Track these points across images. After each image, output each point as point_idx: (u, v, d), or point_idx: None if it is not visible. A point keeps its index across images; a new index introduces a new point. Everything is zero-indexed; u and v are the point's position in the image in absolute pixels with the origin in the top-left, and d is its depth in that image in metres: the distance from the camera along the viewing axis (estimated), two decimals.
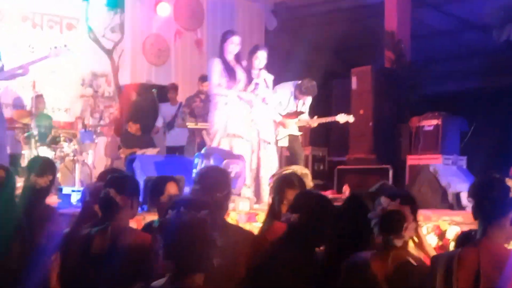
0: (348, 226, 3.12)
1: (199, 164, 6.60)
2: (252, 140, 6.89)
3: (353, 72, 10.09)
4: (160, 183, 4.31)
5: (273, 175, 5.80)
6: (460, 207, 6.50)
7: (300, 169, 5.01)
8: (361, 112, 9.66)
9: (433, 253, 3.06)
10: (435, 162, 8.48)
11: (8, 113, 8.77)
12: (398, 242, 2.78)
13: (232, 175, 6.44)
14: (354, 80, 10.01)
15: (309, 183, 4.39)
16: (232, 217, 5.42)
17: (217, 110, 6.85)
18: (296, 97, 7.88)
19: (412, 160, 9.13)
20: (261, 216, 5.49)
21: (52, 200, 5.20)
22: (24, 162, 7.88)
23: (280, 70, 7.15)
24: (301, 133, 8.05)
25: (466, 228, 4.77)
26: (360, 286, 2.82)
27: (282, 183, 3.98)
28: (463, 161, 9.00)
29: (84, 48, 10.70)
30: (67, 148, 8.53)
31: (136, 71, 11.13)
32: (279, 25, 12.38)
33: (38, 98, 9.14)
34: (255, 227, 5.15)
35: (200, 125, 8.57)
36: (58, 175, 7.85)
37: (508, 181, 2.82)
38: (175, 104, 10.13)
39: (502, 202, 2.76)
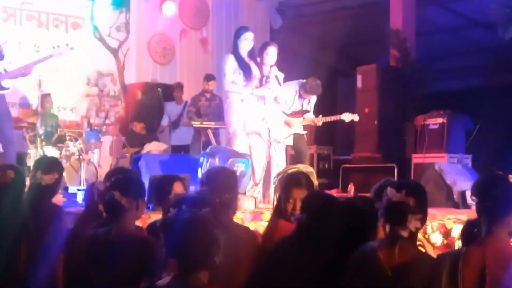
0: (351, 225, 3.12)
1: (204, 163, 6.60)
2: (265, 138, 6.86)
3: (358, 70, 10.08)
4: (166, 182, 4.33)
5: (279, 174, 5.82)
6: (465, 205, 6.49)
7: (305, 167, 5.03)
8: (366, 110, 9.65)
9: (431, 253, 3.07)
10: (440, 160, 8.47)
11: (14, 112, 8.78)
12: (404, 233, 2.77)
13: (238, 174, 6.45)
14: (359, 79, 9.99)
15: (314, 181, 4.39)
16: (237, 216, 5.41)
17: (232, 108, 6.77)
18: (301, 96, 7.88)
19: (417, 158, 9.13)
20: (267, 215, 5.50)
21: (58, 199, 5.20)
22: (30, 161, 7.90)
23: (285, 69, 7.13)
24: (306, 131, 8.04)
25: None
26: (367, 274, 2.82)
27: (289, 181, 3.97)
28: (468, 160, 8.99)
29: (89, 47, 10.72)
30: (73, 147, 8.54)
31: (141, 70, 11.15)
32: (284, 24, 12.37)
33: (46, 97, 9.16)
34: (260, 225, 5.16)
35: (206, 124, 8.58)
36: (64, 174, 7.87)
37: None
38: (181, 103, 10.14)
39: (506, 200, 2.76)
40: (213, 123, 8.65)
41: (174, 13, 11.33)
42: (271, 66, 6.92)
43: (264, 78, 6.81)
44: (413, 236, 2.83)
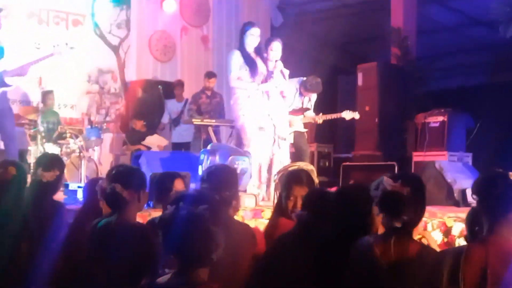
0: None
1: (205, 160, 6.60)
2: (270, 135, 6.80)
3: (359, 68, 10.08)
4: (167, 179, 4.33)
5: (279, 172, 5.81)
6: (466, 203, 6.49)
7: (305, 165, 5.01)
8: (367, 108, 9.65)
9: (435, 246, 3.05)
10: (441, 158, 8.47)
11: (14, 109, 8.73)
12: (397, 223, 2.76)
13: (238, 171, 6.45)
14: (359, 77, 10.00)
15: (315, 179, 4.39)
16: (237, 214, 5.42)
17: (239, 104, 6.71)
18: (301, 94, 7.88)
19: (417, 156, 9.13)
20: (267, 213, 5.50)
21: (58, 196, 5.21)
22: (30, 158, 7.90)
23: (285, 66, 7.13)
24: (306, 129, 8.04)
25: None
26: (363, 269, 2.82)
27: (290, 179, 3.96)
28: (468, 158, 9.00)
29: (90, 44, 10.72)
30: (73, 144, 8.55)
31: (142, 67, 11.15)
32: (285, 21, 12.37)
33: (48, 94, 9.17)
34: (260, 223, 5.17)
35: (206, 121, 8.58)
36: (65, 171, 7.87)
37: None
38: (181, 101, 10.14)
39: (507, 198, 2.75)
40: (214, 120, 8.66)
41: (174, 11, 11.32)
42: (276, 61, 6.89)
43: (269, 74, 6.77)
44: (408, 228, 2.81)
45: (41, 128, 8.15)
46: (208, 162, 6.35)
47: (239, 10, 12.11)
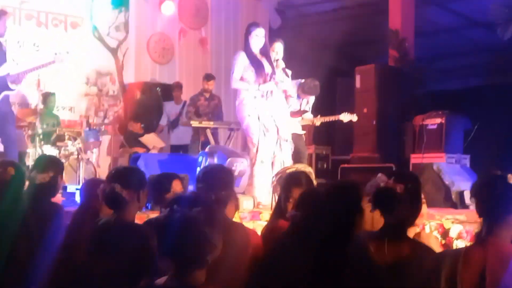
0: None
1: (203, 162, 6.61)
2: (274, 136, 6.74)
3: (357, 70, 10.09)
4: (165, 180, 4.33)
5: (277, 174, 5.80)
6: (464, 205, 6.51)
7: (303, 167, 5.02)
8: (365, 110, 9.66)
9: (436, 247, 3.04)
10: (439, 160, 8.48)
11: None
12: (390, 219, 2.75)
13: (236, 173, 6.45)
14: (357, 79, 10.01)
15: (314, 181, 4.40)
16: (235, 216, 5.42)
17: (245, 105, 6.62)
18: (299, 96, 7.88)
19: (415, 158, 9.14)
20: (265, 215, 5.51)
21: (56, 198, 5.21)
22: (28, 161, 7.91)
23: None
24: (304, 131, 8.05)
25: (469, 226, 4.79)
26: (359, 267, 2.81)
27: (289, 181, 3.97)
28: (466, 160, 9.00)
29: (88, 46, 10.72)
30: (72, 146, 8.55)
31: (140, 69, 11.15)
32: (283, 24, 12.38)
33: (50, 96, 9.18)
34: (259, 225, 5.17)
35: (204, 123, 8.59)
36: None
37: (510, 178, 2.81)
38: (180, 103, 10.15)
39: (506, 200, 2.76)
40: (212, 122, 8.66)
41: (173, 13, 11.33)
42: (277, 60, 6.87)
43: (273, 74, 6.71)
44: (403, 226, 2.80)
45: (39, 130, 8.15)
46: (207, 164, 6.36)
47: (238, 12, 12.12)
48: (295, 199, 3.72)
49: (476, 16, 11.16)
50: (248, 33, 6.73)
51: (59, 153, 8.40)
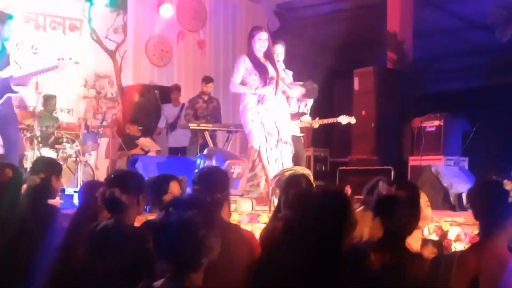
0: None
1: (202, 165, 6.60)
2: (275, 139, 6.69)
3: (355, 73, 10.10)
4: (163, 182, 4.33)
5: (275, 176, 5.81)
6: (462, 208, 6.50)
7: (302, 170, 5.02)
8: (363, 113, 9.67)
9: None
10: (437, 163, 8.48)
11: None
12: (392, 227, 2.76)
13: (234, 176, 6.45)
14: (356, 81, 10.02)
15: (313, 184, 4.39)
16: (234, 218, 5.42)
17: (248, 110, 6.58)
18: (297, 99, 7.87)
19: (414, 161, 9.14)
20: (263, 217, 5.50)
21: (54, 200, 5.21)
22: (26, 163, 7.90)
23: None
24: (303, 134, 8.04)
25: (468, 228, 4.79)
26: (358, 275, 2.81)
27: (289, 184, 3.97)
28: (465, 162, 9.01)
29: (87, 49, 10.74)
30: (70, 149, 8.54)
31: (138, 72, 11.15)
32: (282, 26, 12.38)
33: (50, 99, 9.18)
34: (257, 227, 5.17)
35: (203, 126, 8.59)
36: None
37: (507, 184, 2.81)
38: (178, 105, 10.14)
39: (501, 206, 2.76)
40: (210, 125, 8.67)
41: (171, 15, 11.32)
42: (278, 62, 6.87)
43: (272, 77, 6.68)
44: (403, 234, 2.81)
45: (37, 132, 8.14)
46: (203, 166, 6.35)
47: (236, 15, 12.12)
48: None
49: (474, 17, 11.16)
50: (251, 37, 6.68)
51: (57, 155, 8.39)
